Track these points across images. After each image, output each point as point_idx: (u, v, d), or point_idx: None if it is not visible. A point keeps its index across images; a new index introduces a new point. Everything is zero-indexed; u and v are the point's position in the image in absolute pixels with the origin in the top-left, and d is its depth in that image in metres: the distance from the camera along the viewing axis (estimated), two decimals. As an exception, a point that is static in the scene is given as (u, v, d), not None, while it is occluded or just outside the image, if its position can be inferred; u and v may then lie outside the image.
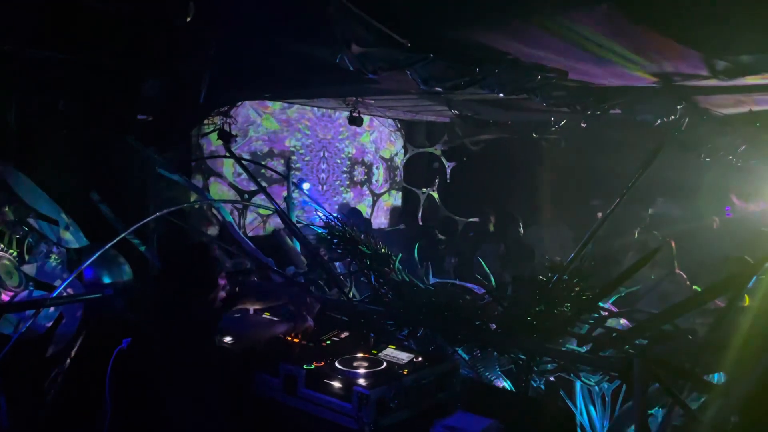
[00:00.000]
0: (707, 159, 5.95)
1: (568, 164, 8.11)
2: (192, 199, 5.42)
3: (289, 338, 2.96)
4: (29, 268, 3.67)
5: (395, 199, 9.98)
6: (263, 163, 7.22)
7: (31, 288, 3.61)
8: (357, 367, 2.65)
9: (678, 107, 4.38)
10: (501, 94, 3.83)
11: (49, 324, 3.64)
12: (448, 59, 3.23)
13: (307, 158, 8.30)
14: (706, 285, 4.89)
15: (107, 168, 4.76)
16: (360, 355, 2.79)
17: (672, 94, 4.19)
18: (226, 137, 5.92)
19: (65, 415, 3.68)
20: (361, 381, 2.51)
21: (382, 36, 2.84)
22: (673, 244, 5.58)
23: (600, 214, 7.38)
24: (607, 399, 3.21)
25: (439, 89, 3.42)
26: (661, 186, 7.51)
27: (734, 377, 2.06)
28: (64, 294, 3.57)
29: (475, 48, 3.23)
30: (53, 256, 3.83)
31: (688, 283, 5.49)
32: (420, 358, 2.78)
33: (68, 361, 3.77)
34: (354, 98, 6.60)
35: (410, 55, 2.96)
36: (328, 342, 2.98)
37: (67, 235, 3.92)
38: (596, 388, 3.14)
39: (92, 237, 4.09)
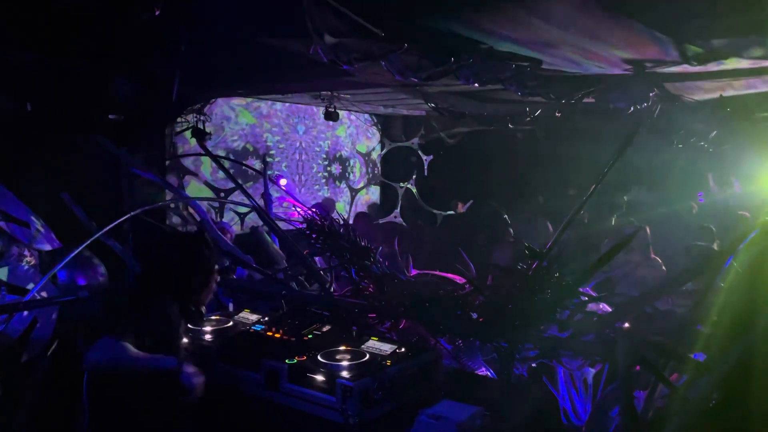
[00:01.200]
0: (680, 145, 6.03)
1: (544, 154, 8.17)
2: (167, 198, 5.34)
3: (270, 333, 2.92)
4: (1, 272, 3.58)
5: (373, 193, 9.96)
6: (243, 162, 7.15)
7: (4, 292, 3.53)
8: (340, 360, 2.62)
9: (650, 94, 4.43)
10: (476, 84, 3.83)
11: (23, 328, 3.56)
12: (423, 49, 3.22)
13: (283, 163, 8.25)
14: (680, 269, 4.98)
15: (78, 169, 4.66)
16: (342, 347, 2.77)
17: (645, 81, 4.23)
18: (200, 135, 5.85)
19: (42, 421, 3.60)
20: (345, 373, 2.49)
21: (355, 26, 2.82)
22: (648, 230, 5.65)
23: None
24: (589, 383, 3.24)
25: (415, 80, 3.41)
26: (636, 173, 7.61)
27: (714, 356, 2.08)
28: (38, 297, 3.49)
29: (450, 37, 3.22)
30: (25, 259, 3.74)
31: (663, 267, 5.57)
32: (403, 349, 2.77)
33: (44, 366, 3.69)
34: (329, 93, 6.57)
35: (384, 45, 2.94)
36: (310, 336, 2.95)
37: (39, 238, 3.83)
38: (578, 372, 3.16)
39: (65, 239, 4.01)
